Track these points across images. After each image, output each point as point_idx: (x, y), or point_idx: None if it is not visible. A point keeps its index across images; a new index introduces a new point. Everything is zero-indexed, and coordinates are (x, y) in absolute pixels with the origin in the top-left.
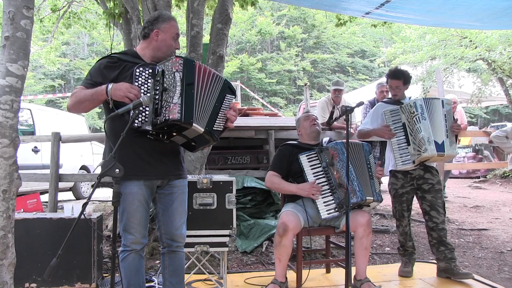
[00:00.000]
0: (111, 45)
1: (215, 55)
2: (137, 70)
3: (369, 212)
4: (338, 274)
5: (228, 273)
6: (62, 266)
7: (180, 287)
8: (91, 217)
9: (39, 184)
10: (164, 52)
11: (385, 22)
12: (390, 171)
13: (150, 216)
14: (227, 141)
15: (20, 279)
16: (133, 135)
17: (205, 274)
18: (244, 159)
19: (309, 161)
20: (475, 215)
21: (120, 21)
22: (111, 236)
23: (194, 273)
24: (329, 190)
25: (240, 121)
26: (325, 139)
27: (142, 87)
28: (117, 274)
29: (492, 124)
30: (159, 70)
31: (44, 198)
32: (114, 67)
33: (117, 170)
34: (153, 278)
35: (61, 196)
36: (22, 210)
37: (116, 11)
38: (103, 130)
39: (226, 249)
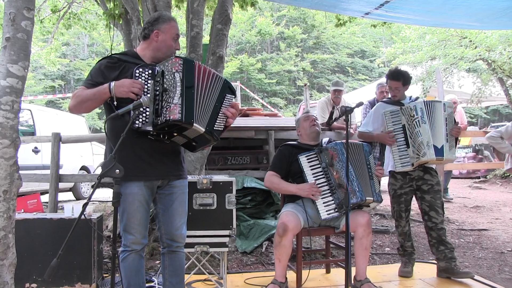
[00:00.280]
0: (111, 45)
1: (215, 56)
2: (137, 71)
3: (369, 213)
4: (338, 274)
5: (228, 273)
6: (62, 266)
7: (180, 287)
8: (91, 217)
9: (39, 185)
10: (164, 53)
11: (384, 23)
12: (390, 172)
13: (150, 216)
14: (227, 142)
15: (21, 279)
16: (133, 136)
17: (205, 274)
18: (244, 160)
19: (308, 162)
20: (475, 215)
21: (120, 22)
22: (111, 236)
23: (194, 274)
24: (328, 191)
25: (240, 122)
26: (325, 140)
27: None
28: (117, 275)
29: (492, 124)
30: (159, 70)
31: (45, 198)
32: (114, 68)
33: (117, 170)
34: (153, 278)
35: (61, 196)
36: (22, 211)
37: (116, 12)
38: (103, 131)
39: (226, 249)
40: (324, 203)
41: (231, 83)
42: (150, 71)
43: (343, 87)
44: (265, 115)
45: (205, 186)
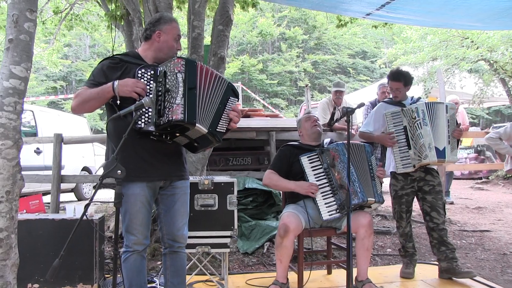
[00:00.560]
0: (113, 46)
1: (216, 57)
2: (139, 71)
3: (371, 213)
4: (339, 275)
5: (229, 274)
6: (64, 266)
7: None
8: (93, 218)
9: (41, 185)
10: (166, 53)
11: (386, 23)
12: (391, 172)
13: (152, 217)
14: (228, 142)
15: (23, 279)
16: (135, 137)
17: (206, 275)
18: (245, 160)
19: (310, 162)
20: (477, 217)
21: (122, 23)
22: (113, 237)
23: (195, 274)
24: (330, 191)
25: (242, 122)
26: (326, 140)
27: None
28: (119, 275)
29: (494, 125)
30: (161, 71)
31: (46, 199)
32: (116, 68)
33: (119, 171)
34: (154, 279)
35: (63, 197)
36: (24, 211)
37: (118, 13)
38: (105, 132)
39: (228, 250)
40: (325, 204)
41: (232, 83)
42: (152, 72)
43: (345, 88)
44: (267, 116)
45: (207, 187)
